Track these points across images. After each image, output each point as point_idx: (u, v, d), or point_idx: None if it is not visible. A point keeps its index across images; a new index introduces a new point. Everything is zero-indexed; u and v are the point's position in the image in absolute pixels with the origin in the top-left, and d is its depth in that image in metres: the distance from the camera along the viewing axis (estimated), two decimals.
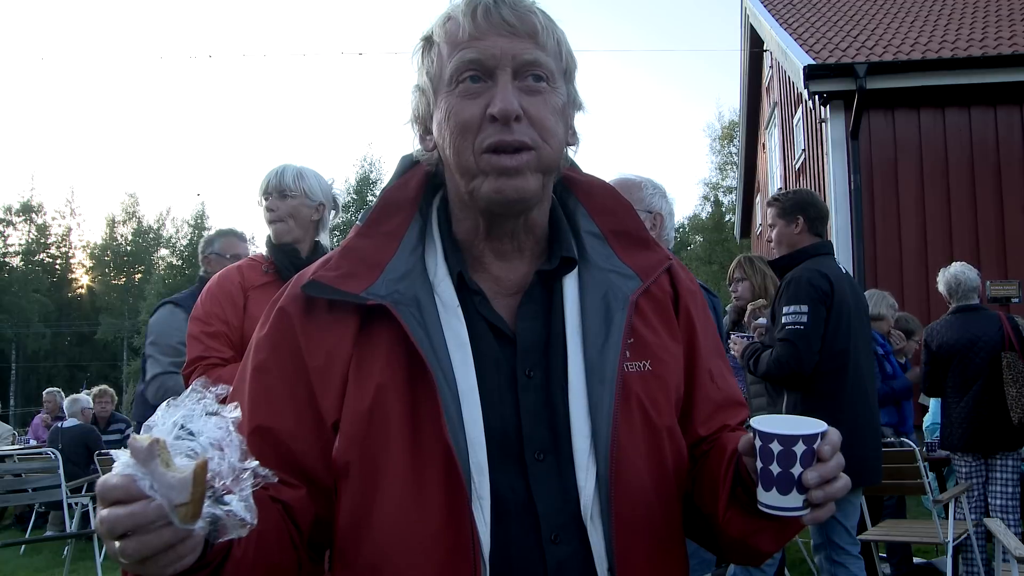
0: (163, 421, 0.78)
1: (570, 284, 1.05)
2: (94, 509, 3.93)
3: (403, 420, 0.97)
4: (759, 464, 0.90)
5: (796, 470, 0.88)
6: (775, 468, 0.89)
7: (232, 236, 3.99)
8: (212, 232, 4.08)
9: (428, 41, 1.05)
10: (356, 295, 0.99)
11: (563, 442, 0.98)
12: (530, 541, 0.95)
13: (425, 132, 1.07)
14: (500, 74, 0.98)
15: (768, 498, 0.90)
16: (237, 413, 0.81)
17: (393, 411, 0.97)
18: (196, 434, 0.77)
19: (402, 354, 0.98)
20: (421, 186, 1.10)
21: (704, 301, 1.17)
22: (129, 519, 0.73)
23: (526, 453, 0.98)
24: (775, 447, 0.88)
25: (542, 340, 1.02)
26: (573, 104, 1.07)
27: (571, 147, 1.09)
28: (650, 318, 1.08)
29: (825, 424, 0.91)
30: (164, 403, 0.80)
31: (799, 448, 0.88)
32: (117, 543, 0.74)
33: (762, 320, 3.95)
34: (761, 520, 0.92)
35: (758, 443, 0.90)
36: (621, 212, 1.13)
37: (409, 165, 1.12)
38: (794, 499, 0.89)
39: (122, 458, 0.75)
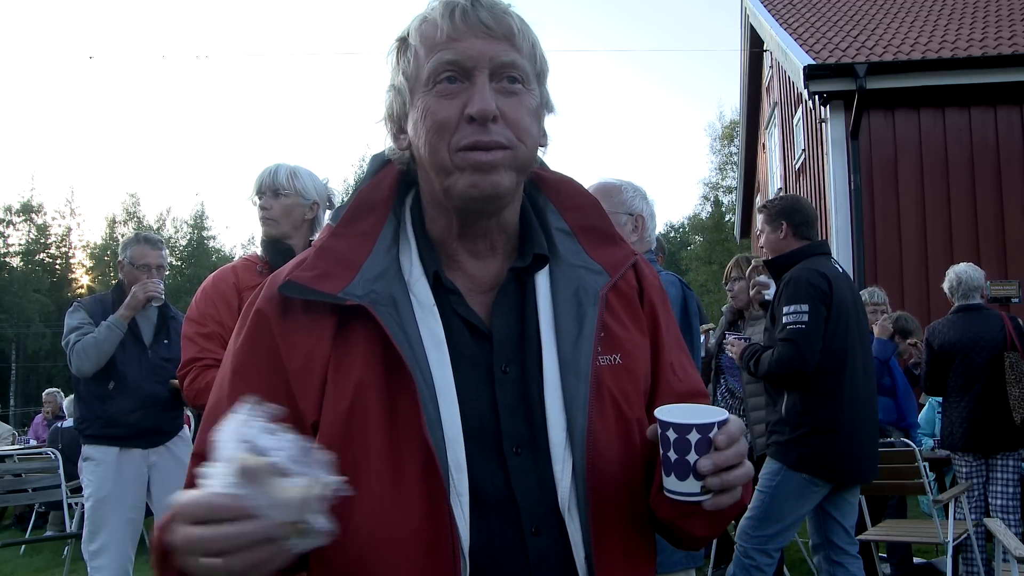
0: (231, 442, 0.79)
1: (542, 281, 1.07)
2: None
3: (381, 419, 0.98)
4: (661, 451, 0.94)
5: (691, 457, 0.91)
6: (672, 455, 0.92)
7: (144, 244, 3.97)
8: (129, 236, 4.08)
9: (403, 42, 1.05)
10: (334, 296, 0.99)
11: (539, 436, 1.00)
12: (511, 534, 0.97)
13: (399, 131, 1.08)
14: (477, 75, 0.99)
15: (669, 483, 0.94)
16: (289, 434, 0.81)
17: (372, 410, 0.98)
18: (266, 451, 0.78)
19: (380, 353, 0.99)
20: (394, 185, 1.11)
21: (665, 295, 1.20)
22: (236, 538, 0.75)
23: (504, 447, 0.99)
24: (671, 435, 0.92)
25: (516, 336, 1.04)
26: (545, 106, 1.09)
27: (542, 147, 1.10)
28: (619, 312, 1.11)
29: (726, 413, 0.94)
30: (222, 425, 0.80)
31: (693, 436, 0.91)
32: (210, 560, 0.75)
33: (763, 278, 3.96)
34: (685, 505, 0.95)
35: (659, 431, 0.93)
36: (589, 208, 1.15)
37: (381, 164, 1.13)
38: (692, 485, 0.92)
39: (220, 477, 0.76)
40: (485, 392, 1.01)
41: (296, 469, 0.78)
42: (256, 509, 0.75)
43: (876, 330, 4.94)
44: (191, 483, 1.04)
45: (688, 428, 0.91)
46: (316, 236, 2.78)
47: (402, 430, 0.96)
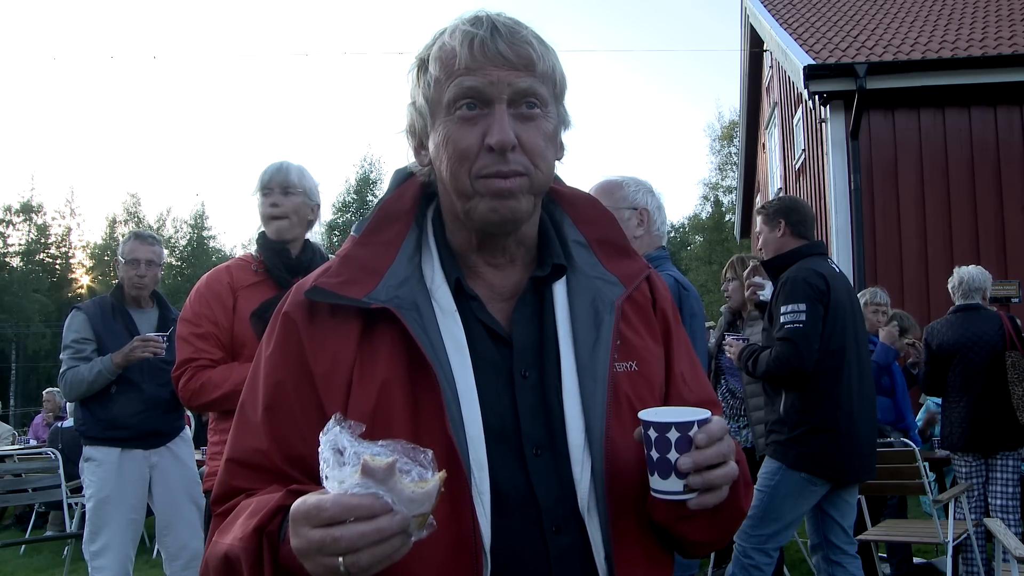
0: (336, 451, 0.82)
1: (559, 290, 1.11)
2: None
3: (405, 419, 1.00)
4: (644, 450, 0.96)
5: (672, 456, 0.93)
6: (654, 454, 0.94)
7: (135, 240, 3.96)
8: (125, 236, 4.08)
9: (423, 63, 1.08)
10: (359, 300, 1.03)
11: (558, 438, 1.03)
12: (533, 533, 1.00)
13: (420, 147, 1.12)
14: (496, 103, 1.02)
15: (654, 482, 0.96)
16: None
17: (396, 410, 1.00)
18: (378, 454, 0.82)
19: (403, 356, 1.02)
20: (416, 197, 1.15)
21: (675, 307, 1.24)
22: (376, 533, 0.78)
23: (524, 449, 1.02)
24: (652, 434, 0.94)
25: (536, 342, 1.07)
26: (563, 123, 1.12)
27: (558, 160, 1.13)
28: (634, 322, 1.14)
29: (708, 413, 0.96)
30: (320, 439, 0.83)
31: (672, 435, 0.93)
32: (342, 559, 0.79)
33: (758, 279, 3.99)
34: (680, 507, 0.97)
35: (642, 431, 0.96)
36: (604, 222, 1.19)
37: (404, 178, 1.17)
38: (674, 484, 0.94)
39: (344, 480, 0.80)
40: (506, 395, 1.04)
41: (410, 467, 0.82)
42: (392, 505, 0.79)
43: (881, 334, 4.94)
44: (228, 486, 1.06)
45: (667, 427, 0.93)
46: (310, 238, 2.78)
47: (425, 430, 0.99)
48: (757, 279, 4.00)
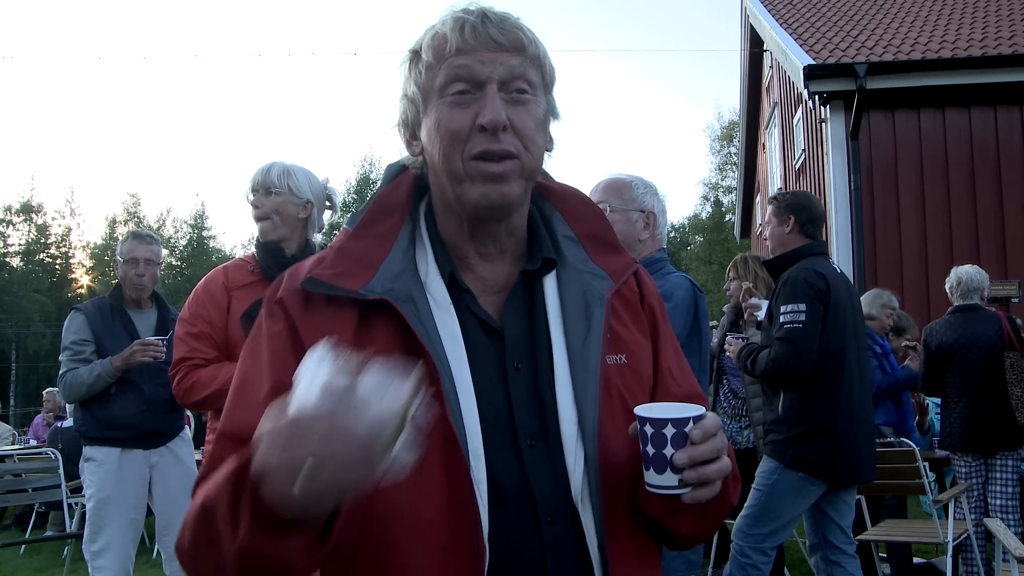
0: (313, 370, 0.79)
1: (550, 283, 1.12)
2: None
3: None
4: (640, 445, 0.98)
5: (668, 451, 0.95)
6: (650, 449, 0.96)
7: (133, 239, 3.96)
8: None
9: (416, 54, 1.10)
10: (356, 291, 1.03)
11: (551, 429, 1.04)
12: (528, 522, 1.01)
13: (412, 137, 1.13)
14: (488, 85, 1.03)
15: (649, 477, 0.97)
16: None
17: None
18: (352, 375, 0.78)
19: (400, 348, 1.02)
20: (410, 191, 1.16)
21: (663, 303, 1.25)
22: (334, 456, 0.77)
23: (519, 440, 1.03)
24: (648, 429, 0.96)
25: (527, 335, 1.09)
26: (552, 113, 1.14)
27: (548, 152, 1.14)
28: (623, 315, 1.16)
29: (703, 410, 0.98)
30: (303, 362, 0.80)
31: (668, 431, 0.95)
32: (305, 482, 0.77)
33: (754, 300, 4.00)
34: (673, 501, 0.98)
35: (638, 426, 0.98)
36: (593, 218, 1.21)
37: (397, 172, 1.18)
38: (669, 479, 0.96)
39: (308, 398, 0.77)
40: (499, 387, 1.05)
41: (383, 389, 0.79)
42: (349, 427, 0.76)
43: (913, 365, 5.04)
44: (220, 461, 1.02)
45: (663, 423, 0.95)
46: (313, 236, 2.78)
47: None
48: (753, 300, 4.02)
